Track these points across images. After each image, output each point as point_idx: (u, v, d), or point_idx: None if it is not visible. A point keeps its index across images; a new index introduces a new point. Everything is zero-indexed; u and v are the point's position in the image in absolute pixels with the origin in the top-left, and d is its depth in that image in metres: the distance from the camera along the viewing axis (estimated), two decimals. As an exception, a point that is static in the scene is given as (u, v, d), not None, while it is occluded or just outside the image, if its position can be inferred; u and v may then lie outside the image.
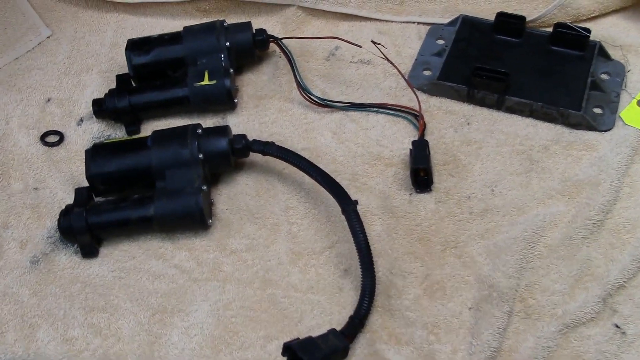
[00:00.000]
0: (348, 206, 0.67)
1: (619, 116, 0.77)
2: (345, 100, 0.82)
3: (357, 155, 0.77)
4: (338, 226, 0.72)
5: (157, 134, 0.74)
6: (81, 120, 0.84)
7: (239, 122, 0.82)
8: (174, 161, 0.71)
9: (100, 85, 0.87)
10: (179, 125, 0.81)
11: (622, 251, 0.67)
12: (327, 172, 0.70)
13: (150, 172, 0.72)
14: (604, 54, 0.81)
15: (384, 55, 0.82)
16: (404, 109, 0.80)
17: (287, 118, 0.81)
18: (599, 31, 0.84)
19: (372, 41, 0.83)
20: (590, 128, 0.76)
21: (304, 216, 0.73)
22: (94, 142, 0.81)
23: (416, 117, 0.79)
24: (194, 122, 0.81)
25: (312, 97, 0.81)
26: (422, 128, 0.77)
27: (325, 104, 0.81)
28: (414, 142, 0.75)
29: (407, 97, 0.81)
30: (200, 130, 0.73)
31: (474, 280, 0.67)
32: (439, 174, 0.74)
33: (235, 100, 0.82)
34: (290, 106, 0.83)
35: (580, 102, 0.76)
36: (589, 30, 0.80)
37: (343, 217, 0.68)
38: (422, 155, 0.74)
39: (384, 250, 0.69)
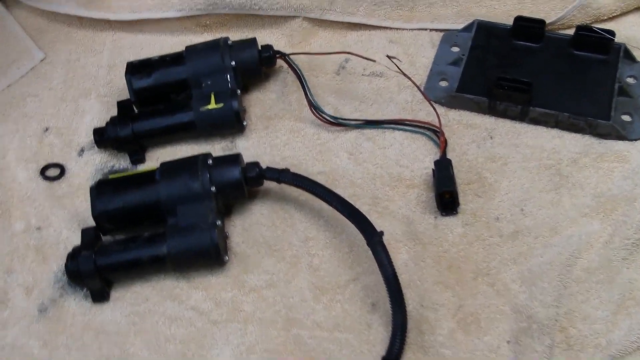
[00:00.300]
0: (373, 238, 0.63)
1: (650, 123, 0.73)
2: (360, 118, 0.77)
3: (377, 177, 0.73)
4: (362, 256, 0.68)
5: (165, 166, 0.70)
6: (82, 150, 0.79)
7: (249, 146, 0.77)
8: (185, 195, 0.67)
9: (100, 111, 0.82)
10: (185, 151, 0.78)
11: (664, 271, 0.64)
12: (348, 200, 0.66)
13: (160, 207, 0.68)
14: (629, 56, 0.77)
15: (400, 69, 0.78)
16: (423, 125, 0.76)
17: (300, 139, 0.77)
18: (621, 31, 0.79)
19: (387, 56, 0.78)
20: (620, 137, 0.72)
21: (324, 247, 0.69)
22: (97, 175, 0.77)
23: (436, 133, 0.75)
24: (201, 148, 0.78)
25: (324, 116, 0.77)
26: (443, 146, 0.73)
27: (339, 123, 0.77)
28: (436, 162, 0.71)
29: (424, 111, 0.77)
30: (210, 161, 0.69)
31: (510, 311, 0.63)
32: (464, 194, 0.71)
33: (245, 123, 0.78)
34: (302, 126, 0.78)
35: (609, 111, 0.72)
36: (613, 33, 0.76)
37: (365, 247, 0.64)
38: (447, 177, 0.70)
39: (412, 280, 0.66)
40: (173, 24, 0.89)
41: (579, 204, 0.68)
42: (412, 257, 0.67)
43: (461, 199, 0.70)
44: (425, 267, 0.67)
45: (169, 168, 0.69)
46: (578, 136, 0.73)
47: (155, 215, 0.68)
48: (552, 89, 0.75)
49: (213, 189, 0.68)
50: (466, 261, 0.67)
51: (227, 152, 0.77)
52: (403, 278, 0.65)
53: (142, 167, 0.77)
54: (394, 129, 0.77)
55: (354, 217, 0.65)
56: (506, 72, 0.76)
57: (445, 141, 0.73)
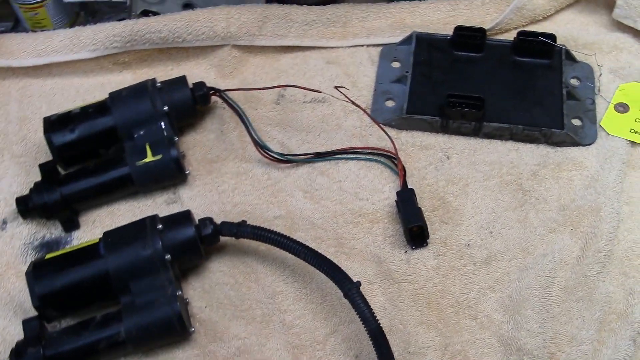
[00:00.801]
0: (351, 291, 0.59)
1: (600, 126, 0.73)
2: (309, 152, 0.73)
3: (337, 214, 0.69)
4: (336, 305, 0.64)
5: (109, 237, 0.63)
6: (4, 222, 0.70)
7: (195, 196, 0.71)
8: (137, 268, 0.61)
9: (17, 174, 0.73)
10: (124, 210, 0.72)
11: (637, 280, 0.64)
12: (316, 250, 0.62)
13: (110, 285, 0.61)
14: (570, 57, 0.77)
15: (349, 99, 0.73)
16: (376, 151, 0.72)
17: (249, 182, 0.72)
18: (558, 31, 0.78)
19: (335, 87, 0.74)
20: (574, 144, 0.71)
21: (295, 300, 0.65)
22: (27, 250, 0.68)
23: (392, 159, 0.72)
24: (140, 204, 0.72)
25: (272, 154, 0.72)
26: (402, 174, 0.70)
27: (288, 160, 0.72)
28: (398, 194, 0.68)
29: (375, 136, 0.74)
30: (160, 225, 0.63)
31: (498, 343, 0.61)
32: (431, 223, 0.68)
33: (187, 172, 0.72)
34: (248, 167, 0.73)
35: (561, 119, 0.71)
36: (554, 37, 0.75)
37: (339, 293, 0.60)
38: (412, 209, 0.67)
39: (394, 325, 0.63)
40: (86, 64, 0.80)
41: (546, 219, 0.67)
42: (388, 299, 0.64)
43: (429, 227, 0.67)
44: (404, 307, 0.63)
45: (114, 239, 0.62)
46: (533, 147, 0.72)
47: (105, 294, 0.61)
48: (503, 100, 0.73)
49: (167, 256, 0.61)
50: (444, 295, 0.64)
51: (171, 205, 0.71)
52: (384, 323, 0.61)
53: (77, 234, 0.70)
54: (347, 159, 0.73)
55: (326, 268, 0.61)
56: (454, 88, 0.74)
57: (404, 168, 0.70)
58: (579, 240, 0.66)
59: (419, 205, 0.67)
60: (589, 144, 0.72)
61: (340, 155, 0.73)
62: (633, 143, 0.71)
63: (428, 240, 0.67)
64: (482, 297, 0.64)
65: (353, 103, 0.74)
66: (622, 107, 0.74)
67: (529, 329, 0.61)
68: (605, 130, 0.72)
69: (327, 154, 0.73)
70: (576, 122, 0.73)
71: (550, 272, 0.64)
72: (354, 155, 0.73)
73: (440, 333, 0.62)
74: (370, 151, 0.72)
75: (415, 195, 0.68)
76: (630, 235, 0.66)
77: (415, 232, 0.66)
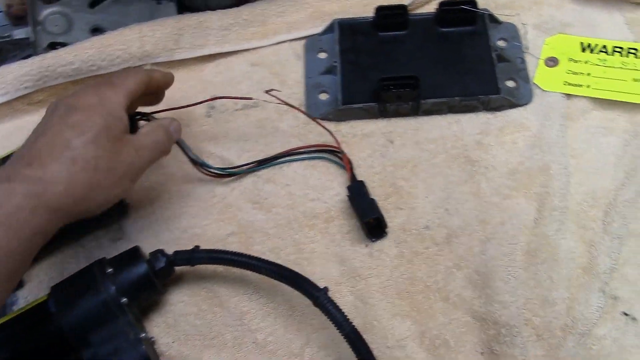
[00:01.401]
0: (319, 299, 0.57)
1: (534, 83, 0.72)
2: (249, 161, 0.70)
3: (291, 220, 0.67)
4: (306, 313, 0.62)
5: (58, 291, 0.59)
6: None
7: (140, 228, 0.68)
8: (93, 319, 0.57)
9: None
10: (69, 256, 0.68)
11: (596, 231, 0.64)
12: (277, 263, 0.60)
13: (68, 343, 0.57)
14: (494, 19, 0.76)
15: (282, 100, 0.71)
16: (319, 148, 0.70)
17: (194, 203, 0.69)
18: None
19: (265, 91, 0.71)
20: (512, 106, 0.71)
21: (264, 316, 0.63)
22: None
23: (335, 153, 0.70)
24: (84, 247, 0.67)
25: (212, 170, 0.69)
26: (349, 167, 0.68)
27: (230, 174, 0.70)
28: (349, 188, 0.66)
29: (315, 132, 0.72)
30: (110, 269, 0.59)
31: (473, 320, 0.61)
32: (386, 211, 0.67)
33: (127, 202, 0.68)
34: (191, 187, 0.70)
35: (496, 83, 0.71)
36: (474, 3, 0.74)
37: (307, 301, 0.58)
38: (365, 201, 0.65)
39: (368, 322, 0.61)
40: (-1, 109, 0.75)
41: (498, 186, 0.67)
42: (358, 297, 0.63)
43: (385, 216, 0.66)
44: (375, 302, 0.62)
45: (63, 293, 0.59)
46: (473, 116, 0.71)
47: (64, 353, 0.58)
48: (436, 75, 0.72)
49: (124, 299, 0.58)
50: (412, 282, 0.63)
51: (117, 242, 0.68)
52: (357, 322, 0.60)
53: (22, 293, 0.66)
54: (290, 161, 0.71)
55: (290, 280, 0.59)
56: (385, 70, 0.72)
57: (349, 161, 0.69)
58: (533, 202, 0.66)
59: (372, 196, 0.66)
60: (527, 104, 0.71)
61: (283, 159, 0.71)
62: (568, 95, 0.72)
63: (387, 229, 0.66)
64: (449, 277, 0.63)
65: (286, 104, 0.71)
66: (552, 61, 0.74)
67: (501, 301, 0.60)
68: (539, 87, 0.72)
69: (269, 160, 0.70)
70: (510, 83, 0.72)
71: (512, 239, 0.63)
72: (298, 157, 0.71)
73: (416, 321, 0.61)
74: (313, 149, 0.70)
75: (365, 187, 0.66)
76: (582, 188, 0.67)
77: (372, 225, 0.65)
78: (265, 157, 0.70)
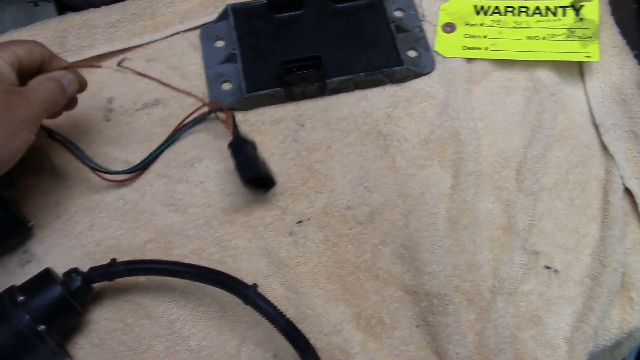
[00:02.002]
0: (249, 296, 0.56)
1: (435, 51, 0.73)
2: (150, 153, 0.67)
3: (210, 218, 0.65)
4: (238, 312, 0.61)
5: (-36, 329, 0.54)
6: None
7: (49, 248, 0.64)
8: (10, 353, 0.53)
9: None
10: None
11: (510, 190, 0.66)
12: (199, 265, 0.57)
13: (-15, 381, 0.53)
14: (387, -10, 0.76)
15: (164, 82, 0.67)
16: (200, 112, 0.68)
17: (104, 213, 0.65)
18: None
19: (117, 64, 0.67)
20: (417, 75, 0.71)
21: (194, 322, 0.60)
22: None
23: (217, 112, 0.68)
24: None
25: (116, 175, 0.65)
26: (229, 122, 0.66)
27: (134, 171, 0.66)
28: (230, 145, 0.64)
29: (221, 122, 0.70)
30: (21, 297, 0.55)
31: (405, 294, 0.61)
32: (306, 196, 0.66)
33: (30, 224, 0.64)
34: (99, 198, 0.66)
35: (398, 55, 0.71)
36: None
37: (236, 300, 0.57)
38: (245, 159, 0.63)
39: (302, 312, 0.60)
40: None
41: (413, 158, 0.67)
42: (288, 287, 0.62)
43: (305, 201, 0.65)
44: (306, 291, 0.61)
45: (-29, 330, 0.54)
46: (380, 89, 0.71)
47: (-18, 393, 0.54)
48: (337, 52, 0.71)
49: (41, 327, 0.54)
50: (341, 265, 0.63)
51: (25, 266, 0.63)
52: (291, 313, 0.59)
53: None
54: (186, 130, 0.68)
55: (217, 281, 0.57)
56: (286, 53, 0.71)
57: (231, 116, 0.66)
58: (449, 169, 0.66)
59: (257, 152, 0.64)
60: (430, 72, 0.72)
61: (182, 131, 0.68)
62: (469, 59, 0.73)
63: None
64: (377, 255, 0.63)
65: (188, 94, 0.68)
66: (449, 27, 0.75)
67: (429, 272, 0.61)
68: (440, 54, 0.73)
69: (166, 143, 0.67)
70: (412, 53, 0.72)
71: (432, 209, 0.64)
72: (190, 125, 0.69)
73: (349, 303, 0.61)
74: (195, 116, 0.68)
75: (246, 142, 0.64)
76: (492, 149, 0.68)
77: (257, 182, 0.63)
78: (153, 145, 0.68)
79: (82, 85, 0.63)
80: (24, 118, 0.55)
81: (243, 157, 0.64)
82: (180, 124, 0.68)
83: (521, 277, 0.62)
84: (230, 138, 0.65)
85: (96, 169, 0.65)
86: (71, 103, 0.64)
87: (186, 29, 0.75)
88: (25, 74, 0.59)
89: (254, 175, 0.62)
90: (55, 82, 0.59)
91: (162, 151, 0.68)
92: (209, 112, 0.68)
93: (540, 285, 0.62)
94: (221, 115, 0.68)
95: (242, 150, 0.64)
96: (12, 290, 0.56)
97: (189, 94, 0.69)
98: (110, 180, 0.66)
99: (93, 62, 0.73)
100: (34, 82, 0.58)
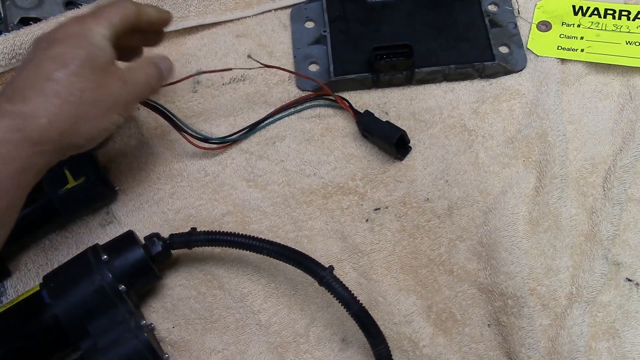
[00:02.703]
0: (325, 278, 0.56)
1: (528, 49, 0.71)
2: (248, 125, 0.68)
3: (288, 197, 0.65)
4: (310, 292, 0.61)
5: (51, 281, 0.56)
6: None
7: (131, 211, 0.65)
8: (91, 309, 0.55)
9: None
10: (57, 244, 0.65)
11: (596, 197, 0.64)
12: (278, 243, 0.58)
13: (66, 334, 0.55)
14: (483, -17, 0.74)
15: (263, 64, 0.67)
16: (310, 98, 0.69)
17: (185, 183, 0.67)
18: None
19: (248, 56, 0.67)
20: (507, 72, 0.70)
21: (266, 298, 0.61)
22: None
23: (328, 100, 0.69)
24: (72, 234, 0.65)
25: (209, 140, 0.66)
26: (346, 104, 0.67)
27: (225, 142, 0.67)
28: (359, 122, 0.66)
29: (307, 103, 0.70)
30: (104, 255, 0.57)
31: (479, 292, 0.60)
32: (385, 184, 0.65)
33: (117, 188, 0.65)
34: (181, 167, 0.67)
35: (490, 50, 0.69)
36: (464, -35, 0.72)
37: (309, 279, 0.57)
38: (383, 125, 0.65)
39: (374, 298, 0.60)
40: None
41: (497, 155, 0.66)
42: (361, 273, 0.62)
43: (384, 189, 0.65)
44: (379, 278, 0.61)
45: (57, 282, 0.56)
46: (468, 83, 0.70)
47: (62, 345, 0.56)
48: (429, 42, 0.70)
49: (121, 287, 0.56)
50: (416, 256, 0.62)
51: (107, 227, 0.65)
52: (363, 299, 0.58)
53: (11, 282, 0.63)
54: (285, 116, 0.69)
55: (294, 260, 0.57)
56: (377, 39, 0.70)
57: (344, 99, 0.68)
58: (533, 170, 0.65)
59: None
60: (521, 70, 0.70)
61: (277, 116, 0.69)
62: (562, 60, 0.71)
63: (387, 202, 0.64)
64: (453, 250, 0.62)
65: (270, 66, 0.67)
66: (544, 25, 0.73)
67: (506, 272, 0.60)
68: (533, 52, 0.71)
69: (264, 120, 0.68)
70: (504, 49, 0.71)
71: (513, 209, 0.63)
72: (292, 110, 0.69)
73: (421, 296, 0.61)
74: (301, 101, 0.69)
75: (372, 114, 0.66)
76: (580, 154, 0.66)
77: (400, 142, 0.65)
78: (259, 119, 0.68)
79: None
80: (117, 100, 0.53)
81: (380, 124, 0.66)
82: (288, 104, 0.69)
83: (600, 287, 0.60)
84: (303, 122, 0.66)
85: (196, 136, 0.66)
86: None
87: (277, 7, 0.75)
88: (121, 35, 0.57)
89: (402, 135, 0.64)
90: (155, 68, 0.58)
91: (263, 127, 0.69)
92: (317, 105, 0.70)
93: (619, 297, 0.60)
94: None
95: (374, 119, 0.66)
96: (96, 249, 0.58)
97: (290, 71, 0.70)
98: (200, 148, 0.66)
99: (185, 33, 0.74)
100: (135, 65, 0.57)
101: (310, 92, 0.69)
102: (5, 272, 0.63)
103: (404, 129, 0.66)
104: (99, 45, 0.53)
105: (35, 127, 0.49)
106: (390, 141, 0.64)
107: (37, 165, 0.50)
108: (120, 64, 0.56)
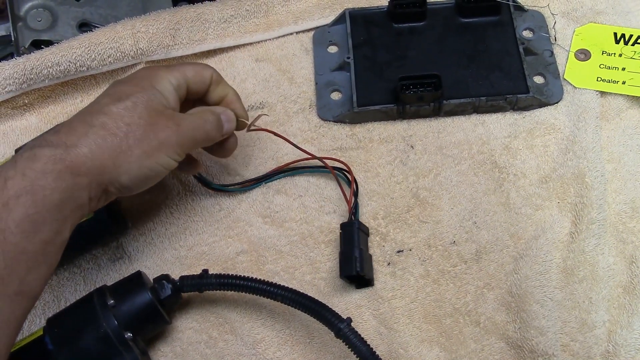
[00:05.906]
0: (342, 330, 0.52)
1: (565, 79, 0.67)
2: (257, 170, 0.65)
3: (305, 236, 0.62)
4: (326, 341, 0.58)
5: (54, 326, 0.54)
6: None
7: (142, 246, 0.63)
8: (95, 358, 0.52)
9: None
10: (65, 279, 0.62)
11: (636, 245, 0.60)
12: (294, 290, 0.54)
13: (68, 383, 0.52)
14: (518, 8, 0.70)
15: (272, 132, 0.63)
16: (325, 162, 0.63)
17: (199, 218, 0.64)
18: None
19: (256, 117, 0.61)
20: (542, 105, 0.66)
21: (280, 345, 0.58)
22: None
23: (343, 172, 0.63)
24: (81, 270, 0.62)
25: (213, 186, 0.64)
26: (352, 190, 0.62)
27: (229, 190, 0.64)
28: (342, 226, 0.61)
29: (328, 136, 0.66)
30: (111, 300, 0.54)
31: (507, 346, 0.56)
32: (409, 225, 0.62)
33: (129, 224, 0.63)
34: (195, 200, 0.64)
35: (524, 80, 0.65)
36: (498, -10, 0.68)
37: (325, 328, 0.53)
38: (349, 250, 0.58)
39: (394, 350, 0.57)
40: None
41: (529, 196, 0.62)
42: (381, 321, 0.58)
43: (408, 230, 0.61)
44: (400, 328, 0.58)
45: (61, 328, 0.53)
46: (500, 116, 0.66)
47: (65, 394, 0.53)
48: (458, 71, 0.66)
49: (128, 334, 0.53)
50: (440, 304, 0.58)
51: (117, 262, 0.62)
52: (382, 350, 0.56)
53: (17, 319, 0.60)
54: (296, 174, 0.65)
55: (310, 309, 0.54)
56: (403, 67, 0.67)
57: (356, 182, 0.63)
58: (568, 214, 0.61)
59: (359, 240, 0.59)
60: (557, 102, 0.66)
61: (288, 172, 0.65)
62: (602, 92, 0.66)
63: (408, 244, 0.60)
64: (480, 299, 0.58)
65: (275, 133, 0.63)
66: (583, 54, 0.68)
67: (537, 326, 0.56)
68: (570, 84, 0.67)
69: (273, 174, 0.64)
70: (539, 79, 0.67)
71: (546, 256, 0.59)
72: (303, 170, 0.65)
73: (444, 348, 0.57)
74: (319, 164, 0.64)
75: (358, 229, 0.59)
76: (619, 196, 0.62)
77: (353, 278, 0.59)
78: (275, 165, 0.65)
79: (241, 124, 0.59)
80: (165, 141, 0.51)
81: (349, 246, 0.59)
82: (303, 159, 0.64)
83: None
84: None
85: (202, 180, 0.64)
86: (229, 141, 0.60)
87: (299, 30, 0.72)
88: (193, 96, 0.57)
89: (349, 275, 0.58)
90: (213, 116, 0.56)
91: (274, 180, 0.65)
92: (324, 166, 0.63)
93: (661, 358, 0.56)
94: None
95: (350, 237, 0.59)
96: (102, 291, 0.55)
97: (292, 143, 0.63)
98: (213, 189, 0.64)
99: (202, 57, 0.71)
100: (192, 111, 0.56)
101: (324, 159, 0.63)
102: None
103: (430, 164, 0.62)
104: (161, 90, 0.53)
105: (75, 156, 0.48)
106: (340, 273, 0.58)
107: (78, 199, 0.48)
108: None
